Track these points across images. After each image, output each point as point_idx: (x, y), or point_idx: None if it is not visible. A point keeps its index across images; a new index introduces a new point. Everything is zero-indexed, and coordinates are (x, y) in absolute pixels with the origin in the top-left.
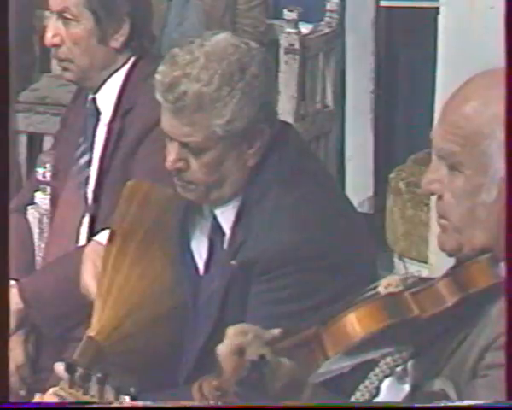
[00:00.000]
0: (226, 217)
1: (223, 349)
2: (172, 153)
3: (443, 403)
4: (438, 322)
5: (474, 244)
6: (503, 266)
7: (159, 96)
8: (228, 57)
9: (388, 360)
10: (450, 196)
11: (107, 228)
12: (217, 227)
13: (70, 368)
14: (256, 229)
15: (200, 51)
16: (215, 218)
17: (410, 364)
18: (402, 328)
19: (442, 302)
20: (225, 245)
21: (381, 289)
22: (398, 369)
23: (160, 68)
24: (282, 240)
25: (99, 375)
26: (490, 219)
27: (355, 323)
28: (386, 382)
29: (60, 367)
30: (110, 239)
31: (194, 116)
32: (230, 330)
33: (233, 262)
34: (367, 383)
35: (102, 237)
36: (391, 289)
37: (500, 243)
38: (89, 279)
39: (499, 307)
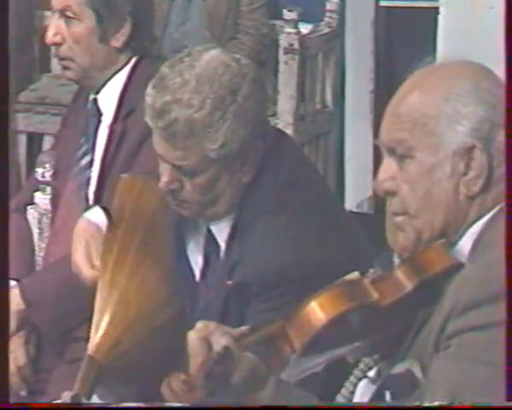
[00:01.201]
0: (221, 231)
1: (191, 340)
2: (165, 174)
3: (444, 404)
4: (400, 307)
5: (434, 226)
6: (458, 250)
7: (149, 121)
8: (219, 79)
9: (361, 365)
10: (405, 186)
11: (99, 206)
12: (211, 239)
13: (75, 400)
14: (251, 247)
15: (191, 74)
16: (209, 231)
17: (381, 365)
18: (366, 317)
19: (402, 288)
20: (221, 255)
21: None
22: (372, 373)
23: (150, 91)
24: (277, 259)
25: None
26: (447, 196)
27: (317, 310)
28: (360, 385)
29: (66, 399)
30: (106, 242)
31: (186, 141)
32: (199, 324)
33: (229, 282)
34: (343, 390)
35: (93, 214)
36: None
37: (457, 222)
38: (80, 258)
39: (455, 282)
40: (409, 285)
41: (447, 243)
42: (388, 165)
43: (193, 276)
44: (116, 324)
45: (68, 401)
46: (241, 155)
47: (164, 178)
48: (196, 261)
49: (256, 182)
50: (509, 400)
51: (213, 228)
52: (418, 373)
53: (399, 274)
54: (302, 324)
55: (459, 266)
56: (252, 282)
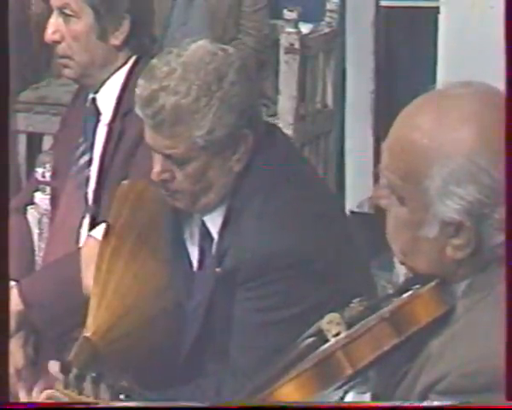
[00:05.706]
0: (214, 222)
1: None
2: (157, 165)
3: (444, 404)
4: (376, 363)
5: (417, 271)
6: (457, 288)
7: (138, 111)
8: (205, 66)
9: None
10: (394, 222)
11: (104, 222)
12: (205, 232)
13: (65, 368)
14: (241, 235)
15: (178, 62)
16: (204, 224)
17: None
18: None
19: (378, 347)
20: (213, 250)
21: (323, 326)
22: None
23: (140, 82)
24: (265, 247)
25: (93, 374)
26: (431, 252)
27: (288, 398)
28: (349, 396)
29: (54, 367)
30: (105, 238)
31: (173, 129)
32: None
33: (217, 269)
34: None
35: (99, 232)
36: (333, 329)
37: (443, 276)
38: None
39: (442, 339)
40: (387, 344)
41: (437, 286)
42: (384, 185)
43: (191, 267)
44: (113, 308)
45: (57, 368)
46: (230, 142)
47: (155, 169)
48: (193, 253)
49: (247, 171)
50: (508, 399)
51: (207, 220)
52: None
53: (377, 332)
54: None
55: (448, 313)
56: (239, 268)
